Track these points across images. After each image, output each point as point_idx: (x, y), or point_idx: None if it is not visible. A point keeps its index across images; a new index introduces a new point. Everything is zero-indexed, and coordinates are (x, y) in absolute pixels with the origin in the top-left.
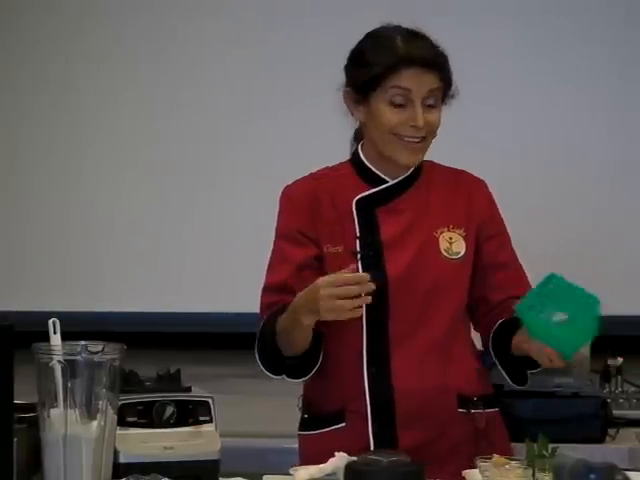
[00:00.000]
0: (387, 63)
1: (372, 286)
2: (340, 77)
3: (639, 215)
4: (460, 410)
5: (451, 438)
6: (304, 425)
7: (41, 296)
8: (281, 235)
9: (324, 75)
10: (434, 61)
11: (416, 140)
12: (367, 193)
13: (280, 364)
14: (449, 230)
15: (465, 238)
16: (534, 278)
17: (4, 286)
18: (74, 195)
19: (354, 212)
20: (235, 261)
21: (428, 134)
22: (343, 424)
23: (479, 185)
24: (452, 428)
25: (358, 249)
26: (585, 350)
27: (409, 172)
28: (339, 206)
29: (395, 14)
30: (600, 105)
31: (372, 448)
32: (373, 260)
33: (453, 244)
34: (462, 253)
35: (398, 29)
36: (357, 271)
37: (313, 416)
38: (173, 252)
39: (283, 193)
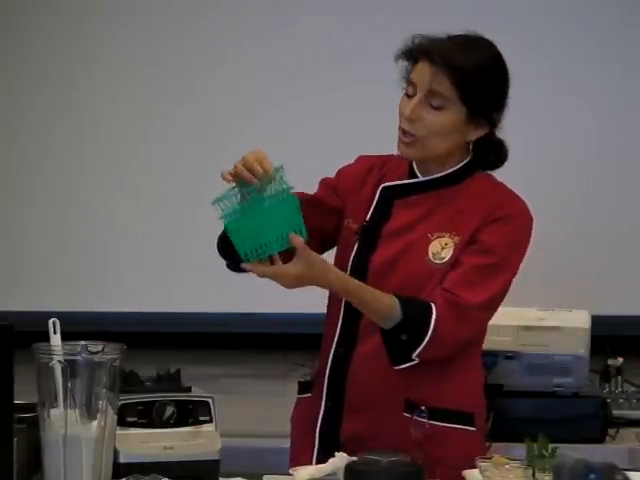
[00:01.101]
0: (409, 52)
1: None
2: (339, 79)
3: (639, 215)
4: (405, 414)
5: (392, 439)
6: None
7: (41, 296)
8: (323, 180)
9: (326, 76)
10: (448, 63)
11: (403, 134)
12: (392, 183)
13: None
14: (450, 236)
15: (456, 245)
16: (532, 277)
17: (4, 286)
18: (74, 195)
19: (376, 197)
20: None
21: (422, 134)
22: (309, 394)
23: (505, 204)
24: (394, 430)
25: (359, 231)
26: (585, 350)
27: (442, 174)
28: (377, 188)
29: (396, 15)
30: (597, 106)
31: (319, 425)
32: (367, 247)
33: (444, 249)
34: (447, 258)
35: (461, 36)
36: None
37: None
38: (173, 252)
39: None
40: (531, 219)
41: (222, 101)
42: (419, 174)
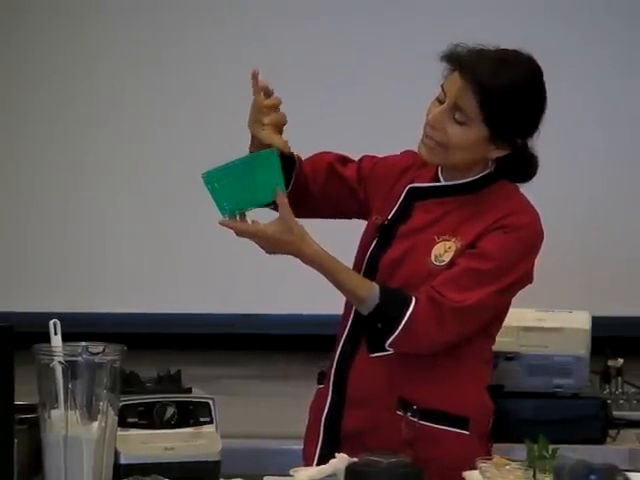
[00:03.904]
0: (448, 58)
1: None
2: (343, 80)
3: (639, 215)
4: (398, 412)
5: (386, 436)
6: None
7: (42, 297)
8: (361, 159)
9: (327, 77)
10: (477, 83)
11: (425, 136)
12: (417, 185)
13: None
14: (454, 241)
15: (458, 248)
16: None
17: (4, 286)
18: (74, 195)
19: (401, 197)
20: (236, 262)
21: (442, 142)
22: (322, 386)
23: (512, 214)
24: (388, 427)
25: (379, 228)
26: (585, 351)
27: (463, 181)
28: (406, 187)
29: (396, 14)
30: (598, 108)
31: (324, 417)
32: (382, 245)
33: (447, 252)
34: (446, 261)
35: (502, 53)
36: None
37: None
38: (174, 253)
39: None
40: (538, 233)
41: (224, 101)
42: (442, 179)
